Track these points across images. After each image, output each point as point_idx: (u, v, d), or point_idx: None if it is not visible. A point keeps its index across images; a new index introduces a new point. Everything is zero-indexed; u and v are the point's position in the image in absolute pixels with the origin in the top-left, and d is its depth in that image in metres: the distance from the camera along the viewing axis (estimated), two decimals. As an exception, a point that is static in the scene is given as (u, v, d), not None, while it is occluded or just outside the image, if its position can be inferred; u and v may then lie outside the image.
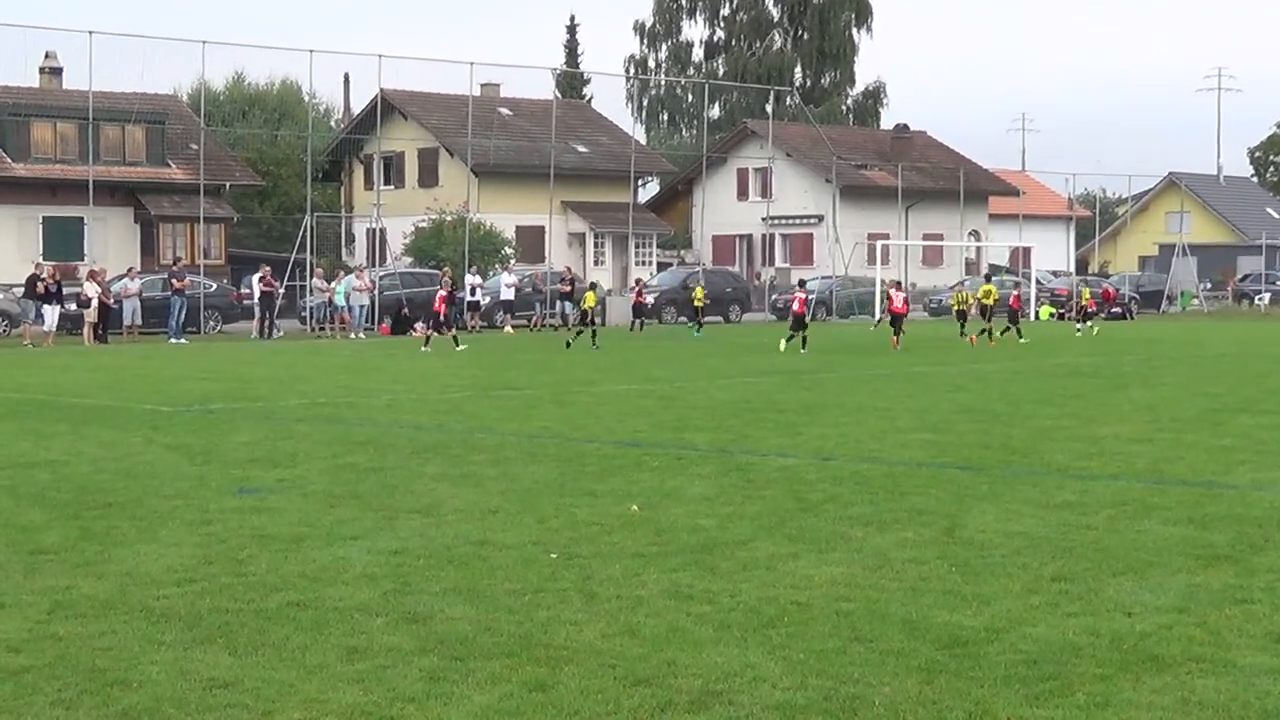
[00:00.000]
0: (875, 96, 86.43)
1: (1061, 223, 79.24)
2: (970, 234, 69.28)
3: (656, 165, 68.48)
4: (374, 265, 52.09)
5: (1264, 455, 14.56)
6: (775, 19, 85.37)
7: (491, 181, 58.46)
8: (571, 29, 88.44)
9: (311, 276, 45.37)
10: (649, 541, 10.11)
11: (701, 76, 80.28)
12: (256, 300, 43.02)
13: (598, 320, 37.00)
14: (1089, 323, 43.25)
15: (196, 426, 17.55)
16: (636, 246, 62.25)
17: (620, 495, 12.05)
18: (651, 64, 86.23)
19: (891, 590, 8.62)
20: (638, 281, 49.89)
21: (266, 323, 42.59)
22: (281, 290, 44.11)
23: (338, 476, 13.26)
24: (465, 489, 12.49)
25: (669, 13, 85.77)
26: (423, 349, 34.29)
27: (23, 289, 40.40)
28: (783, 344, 33.14)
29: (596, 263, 61.58)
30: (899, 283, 39.19)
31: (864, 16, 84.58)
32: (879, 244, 57.44)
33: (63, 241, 48.84)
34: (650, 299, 48.75)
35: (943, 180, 68.59)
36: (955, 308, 40.78)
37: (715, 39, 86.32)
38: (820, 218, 65.25)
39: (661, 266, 61.98)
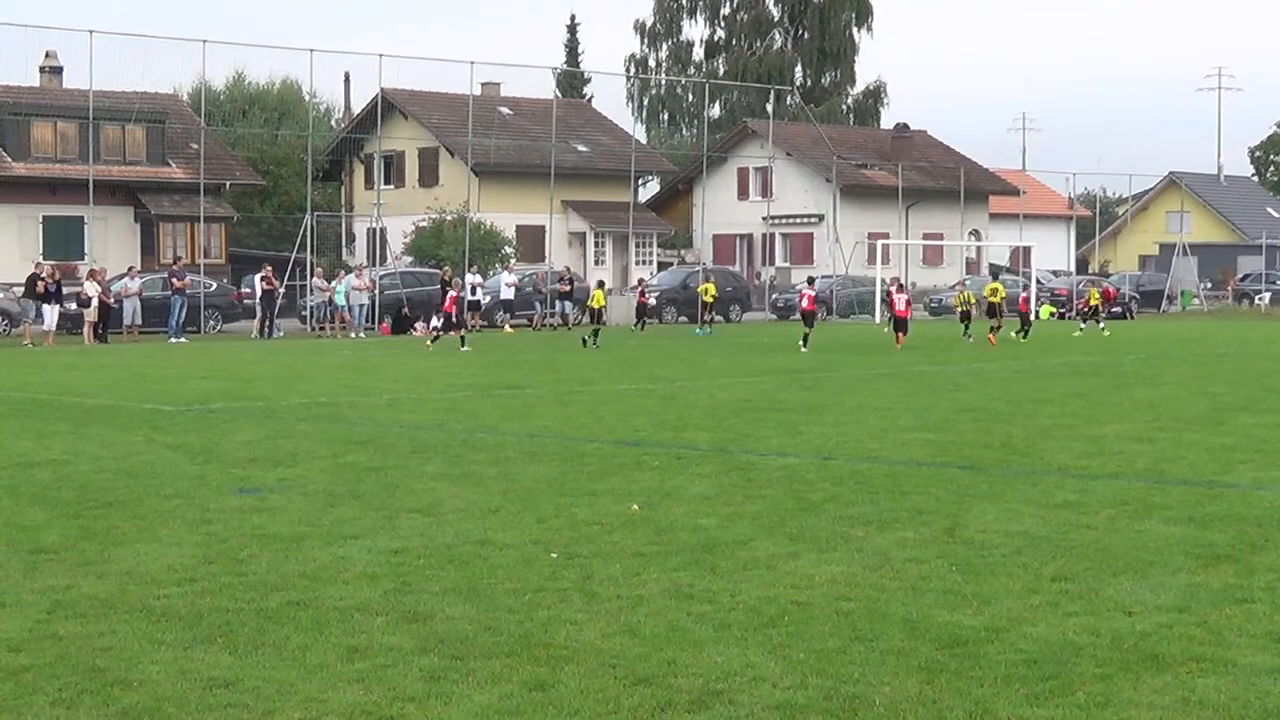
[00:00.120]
0: (876, 96, 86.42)
1: (1062, 222, 79.25)
2: (970, 233, 69.29)
3: (657, 165, 68.48)
4: (374, 265, 52.09)
5: (1265, 454, 14.56)
6: (776, 18, 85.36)
7: (492, 181, 58.48)
8: (572, 28, 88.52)
9: (312, 276, 45.39)
10: (649, 541, 10.11)
11: (702, 76, 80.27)
12: (258, 299, 43.07)
13: (604, 319, 37.04)
14: (1100, 324, 43.19)
15: (197, 426, 17.55)
16: (637, 246, 62.26)
17: (621, 495, 12.05)
18: (652, 63, 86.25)
19: (892, 590, 8.62)
20: (640, 281, 49.91)
21: (267, 322, 42.62)
22: (282, 290, 44.12)
23: (338, 476, 13.26)
24: (466, 488, 12.49)
25: (669, 12, 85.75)
26: (460, 348, 34.02)
27: (23, 288, 40.40)
28: (803, 347, 33.16)
29: (597, 262, 61.58)
30: (901, 284, 39.17)
31: (864, 16, 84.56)
32: (879, 243, 57.44)
33: (63, 241, 48.86)
34: (652, 298, 48.76)
35: (943, 180, 68.59)
36: (958, 308, 40.71)
37: (716, 38, 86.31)
38: (820, 217, 65.26)
39: (662, 266, 61.99)
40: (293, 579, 8.95)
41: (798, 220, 66.52)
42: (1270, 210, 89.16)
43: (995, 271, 43.24)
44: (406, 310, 45.81)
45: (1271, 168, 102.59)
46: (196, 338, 41.43)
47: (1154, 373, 26.68)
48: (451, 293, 36.38)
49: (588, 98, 77.54)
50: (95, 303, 39.17)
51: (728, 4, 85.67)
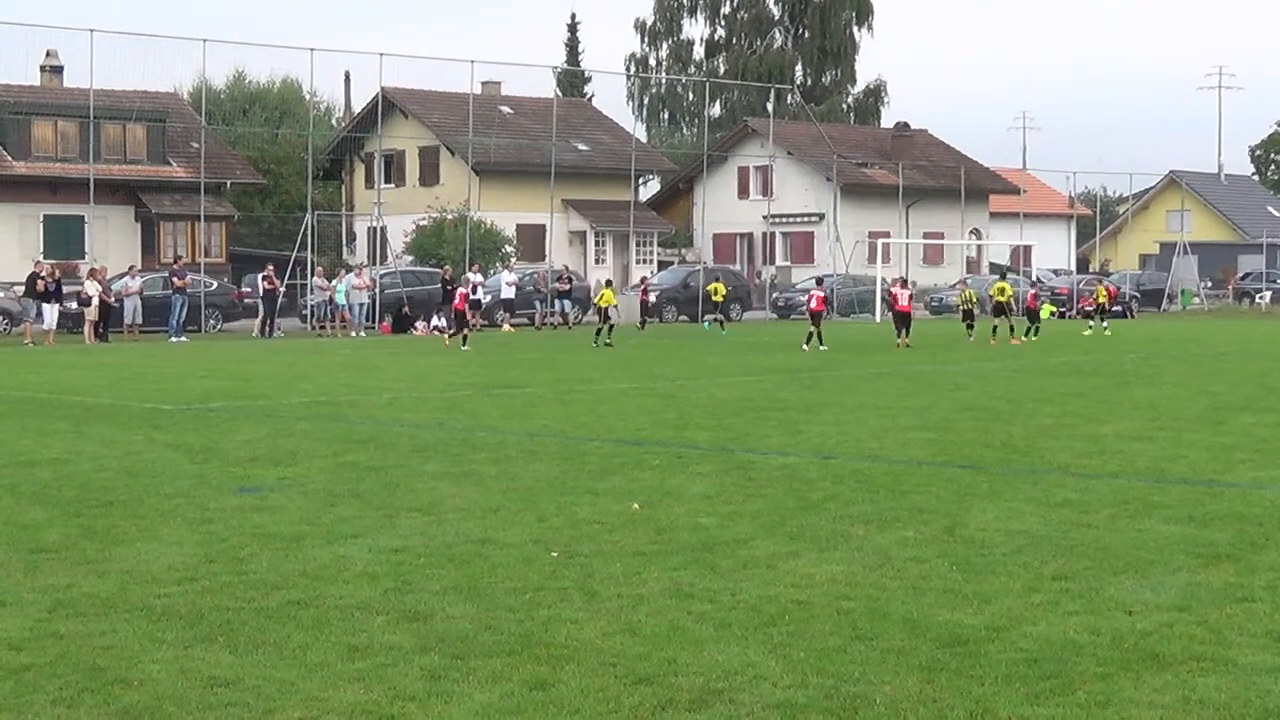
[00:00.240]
0: (876, 95, 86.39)
1: (1062, 221, 79.25)
2: (971, 232, 69.30)
3: (657, 163, 68.48)
4: (375, 264, 52.09)
5: (1265, 454, 14.56)
6: (776, 17, 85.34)
7: (492, 180, 58.49)
8: (572, 27, 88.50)
9: (312, 275, 45.41)
10: (650, 540, 10.11)
11: (702, 75, 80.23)
12: (260, 298, 43.14)
13: (611, 318, 37.10)
14: (1103, 323, 43.17)
15: (197, 425, 17.56)
16: (637, 245, 62.28)
17: (621, 494, 12.05)
18: (652, 62, 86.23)
19: (892, 589, 8.62)
20: (643, 280, 49.93)
21: (268, 321, 42.63)
22: (282, 289, 44.13)
23: (338, 475, 13.26)
24: (466, 487, 12.49)
25: (670, 11, 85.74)
26: (461, 348, 34.23)
27: (23, 287, 40.42)
28: (818, 346, 33.19)
29: (597, 261, 61.59)
30: (904, 280, 39.21)
31: (865, 15, 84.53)
32: (880, 242, 57.46)
33: (64, 240, 48.86)
34: (653, 297, 48.79)
35: (943, 178, 68.59)
36: (961, 306, 40.71)
37: (716, 37, 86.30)
38: (821, 216, 65.25)
39: (662, 265, 62.00)
40: (293, 578, 8.95)
41: (798, 219, 66.51)
42: (1271, 209, 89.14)
43: (1002, 271, 43.14)
44: (407, 309, 45.82)
45: (1272, 166, 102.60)
46: (197, 337, 41.45)
47: (1154, 372, 26.68)
48: (462, 290, 36.53)
49: (588, 97, 77.51)
50: (96, 302, 39.18)
51: (728, 3, 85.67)
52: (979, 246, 70.56)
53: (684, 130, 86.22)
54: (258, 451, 14.95)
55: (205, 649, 7.37)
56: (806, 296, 39.55)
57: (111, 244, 49.69)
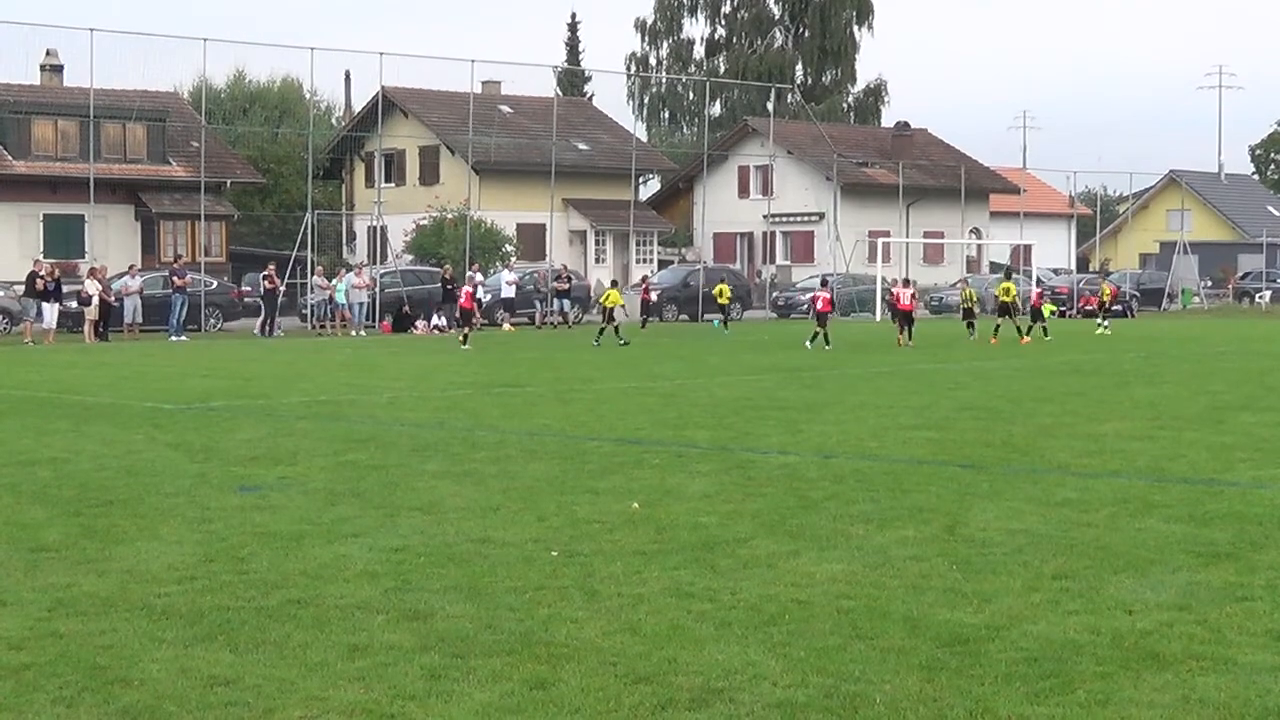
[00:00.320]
0: (876, 94, 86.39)
1: (1062, 220, 79.24)
2: (971, 232, 69.30)
3: (657, 163, 68.48)
4: (375, 263, 52.10)
5: (1265, 453, 14.56)
6: (776, 16, 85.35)
7: (492, 179, 58.50)
8: (573, 26, 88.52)
9: (312, 274, 45.41)
10: (650, 539, 10.11)
11: (702, 74, 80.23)
12: (261, 297, 43.17)
13: (616, 317, 37.11)
14: (1105, 321, 43.15)
15: (197, 424, 17.56)
16: (637, 244, 62.28)
17: (621, 493, 12.06)
18: (653, 61, 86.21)
19: (892, 588, 8.62)
20: (644, 279, 49.93)
21: (269, 320, 42.64)
22: (282, 288, 44.14)
23: (339, 474, 13.26)
24: (466, 487, 12.50)
25: (670, 10, 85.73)
26: (461, 346, 34.47)
27: (24, 286, 40.42)
28: (822, 346, 33.21)
29: (598, 260, 61.60)
30: (908, 280, 39.28)
31: (865, 14, 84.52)
32: (880, 242, 57.46)
33: (64, 239, 48.85)
34: (654, 296, 48.82)
35: (944, 178, 68.59)
36: (963, 305, 40.72)
37: (716, 36, 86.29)
38: (821, 215, 65.26)
39: (663, 264, 62.00)
40: (293, 577, 8.95)
41: (798, 218, 66.52)
42: (1271, 209, 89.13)
43: (1008, 271, 43.12)
44: (407, 308, 45.82)
45: (1272, 166, 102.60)
46: (197, 336, 41.45)
47: (1154, 371, 26.68)
48: (468, 289, 36.62)
49: (588, 96, 77.51)
50: (96, 301, 39.19)
51: (728, 2, 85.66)
52: (979, 246, 70.56)
53: (684, 129, 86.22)
54: (258, 451, 14.95)
55: (205, 648, 7.37)
56: (811, 297, 39.57)
57: (111, 243, 49.68)
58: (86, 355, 32.95)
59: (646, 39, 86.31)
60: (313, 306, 45.19)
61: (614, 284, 40.59)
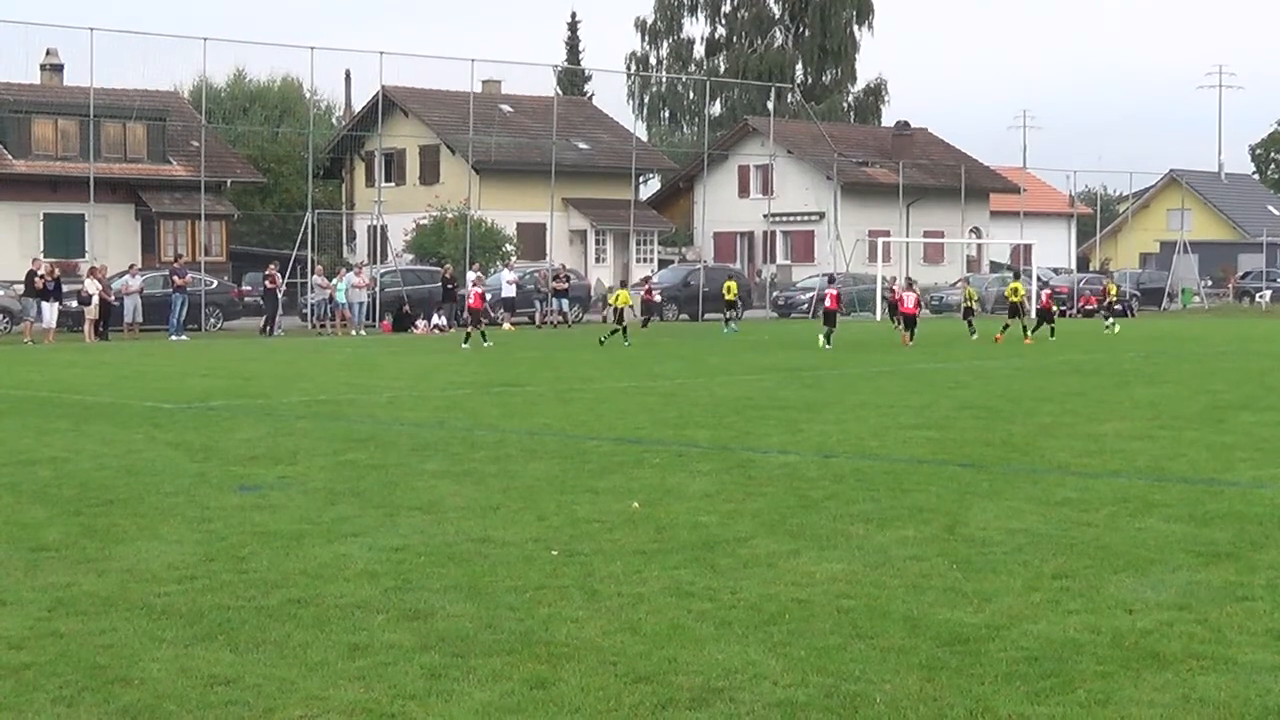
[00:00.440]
0: (876, 93, 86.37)
1: (1063, 220, 79.21)
2: (971, 231, 69.28)
3: (658, 162, 68.48)
4: (375, 262, 52.11)
5: (1265, 452, 14.55)
6: (776, 16, 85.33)
7: (492, 178, 58.50)
8: (573, 26, 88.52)
9: (312, 273, 45.41)
10: (650, 539, 10.11)
11: (703, 73, 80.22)
12: (262, 296, 43.17)
13: (626, 318, 37.18)
14: (1106, 321, 43.12)
15: (197, 423, 17.56)
16: (638, 244, 62.28)
17: (621, 492, 12.05)
18: (653, 61, 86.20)
19: (892, 587, 8.62)
20: (645, 279, 49.93)
21: (270, 320, 42.64)
22: (282, 287, 44.14)
23: (339, 473, 13.26)
24: (466, 486, 12.50)
25: (670, 9, 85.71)
26: (462, 345, 34.66)
27: (23, 286, 40.44)
28: (821, 340, 33.35)
29: (598, 260, 61.60)
30: (911, 281, 39.34)
31: (865, 13, 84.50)
32: (880, 241, 57.46)
33: (64, 238, 48.86)
34: (659, 297, 48.87)
35: (944, 177, 68.58)
36: (965, 304, 40.74)
37: (716, 36, 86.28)
38: (821, 215, 65.26)
39: (663, 264, 62.00)
40: (293, 576, 8.95)
41: (798, 218, 66.52)
42: (1271, 208, 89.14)
43: (1016, 271, 43.17)
44: (407, 308, 45.82)
45: (1272, 165, 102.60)
46: (197, 335, 41.46)
47: (1154, 371, 26.68)
48: (477, 290, 36.67)
49: (588, 95, 77.52)
50: (96, 300, 39.19)
51: (728, 1, 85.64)
52: (979, 245, 70.55)
53: (684, 129, 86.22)
54: (258, 450, 14.95)
55: (205, 647, 7.37)
56: (821, 294, 39.57)
57: (112, 242, 49.69)
58: (86, 354, 32.95)
59: (646, 38, 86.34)
60: (313, 306, 45.19)
61: (623, 284, 40.64)
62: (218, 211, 51.70)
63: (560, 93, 70.26)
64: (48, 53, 54.82)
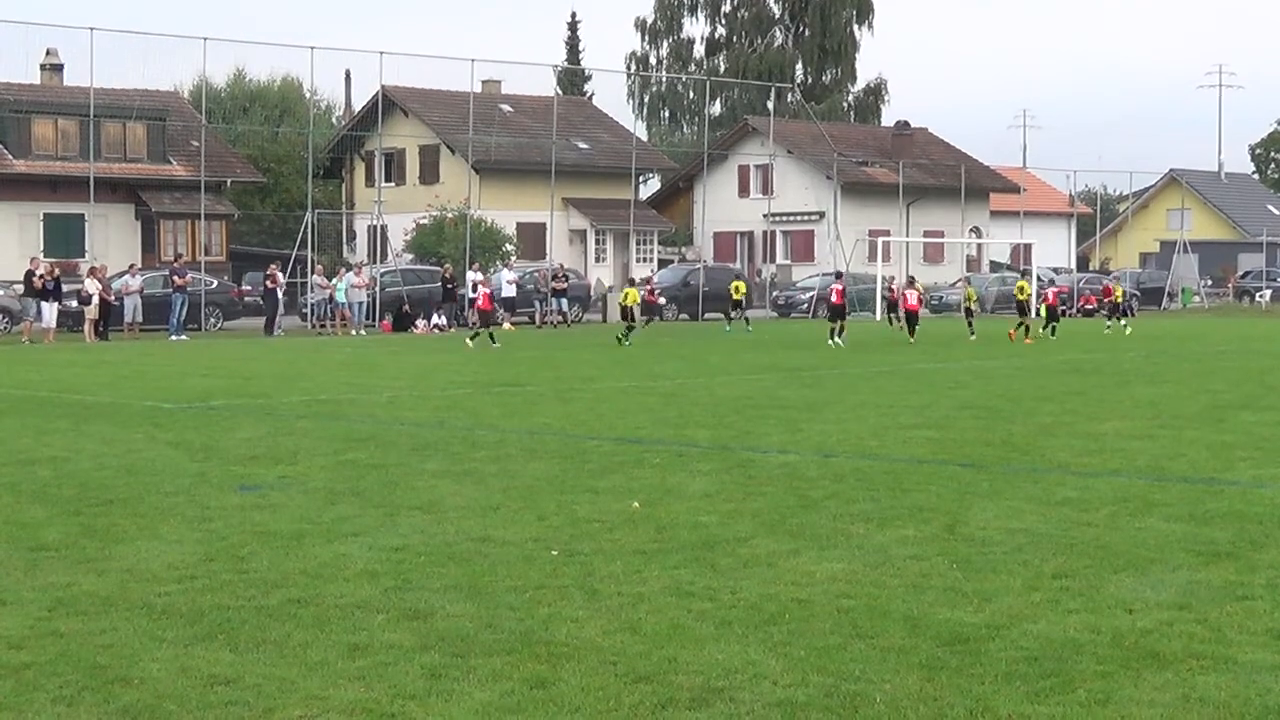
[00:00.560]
0: (876, 93, 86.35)
1: (1063, 219, 79.20)
2: (971, 231, 69.27)
3: (657, 162, 68.46)
4: (375, 262, 52.10)
5: (1265, 452, 14.55)
6: (776, 15, 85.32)
7: (492, 178, 58.49)
8: (573, 25, 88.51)
9: (312, 273, 45.41)
10: (650, 538, 10.11)
11: (703, 73, 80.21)
12: (263, 296, 43.18)
13: (637, 318, 37.22)
14: (1122, 321, 43.07)
15: (197, 423, 17.55)
16: (638, 243, 62.26)
17: (621, 492, 12.05)
18: (653, 60, 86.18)
19: (892, 587, 8.62)
20: (647, 279, 49.94)
21: (271, 320, 42.64)
22: (283, 287, 44.14)
23: (339, 473, 13.26)
24: (466, 486, 12.49)
25: (670, 9, 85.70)
26: (466, 342, 34.88)
27: (23, 285, 40.45)
28: (826, 341, 33.44)
29: (598, 260, 61.58)
30: (912, 280, 39.47)
31: (865, 13, 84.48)
32: (880, 241, 57.45)
33: (64, 238, 48.86)
34: (663, 300, 48.87)
35: (944, 177, 68.58)
36: (965, 304, 40.75)
37: (716, 35, 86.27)
38: (821, 214, 65.25)
39: (663, 263, 61.99)
40: (293, 576, 8.95)
41: (798, 218, 66.51)
42: (1271, 208, 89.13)
43: (1024, 271, 43.20)
44: (407, 308, 45.82)
45: (1272, 165, 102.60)
46: (197, 335, 41.45)
47: (1154, 370, 26.68)
48: (485, 291, 36.72)
49: (588, 95, 77.51)
50: (96, 300, 39.19)
51: (728, 1, 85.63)
52: (979, 245, 70.55)
53: (684, 129, 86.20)
54: (258, 450, 14.95)
55: (205, 647, 7.37)
56: (828, 291, 39.58)
57: (112, 242, 49.69)
58: (86, 354, 32.95)
59: (646, 38, 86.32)
60: (313, 306, 45.19)
61: (630, 282, 40.68)
62: (218, 211, 51.70)
63: (560, 92, 70.26)
64: (48, 53, 54.82)
